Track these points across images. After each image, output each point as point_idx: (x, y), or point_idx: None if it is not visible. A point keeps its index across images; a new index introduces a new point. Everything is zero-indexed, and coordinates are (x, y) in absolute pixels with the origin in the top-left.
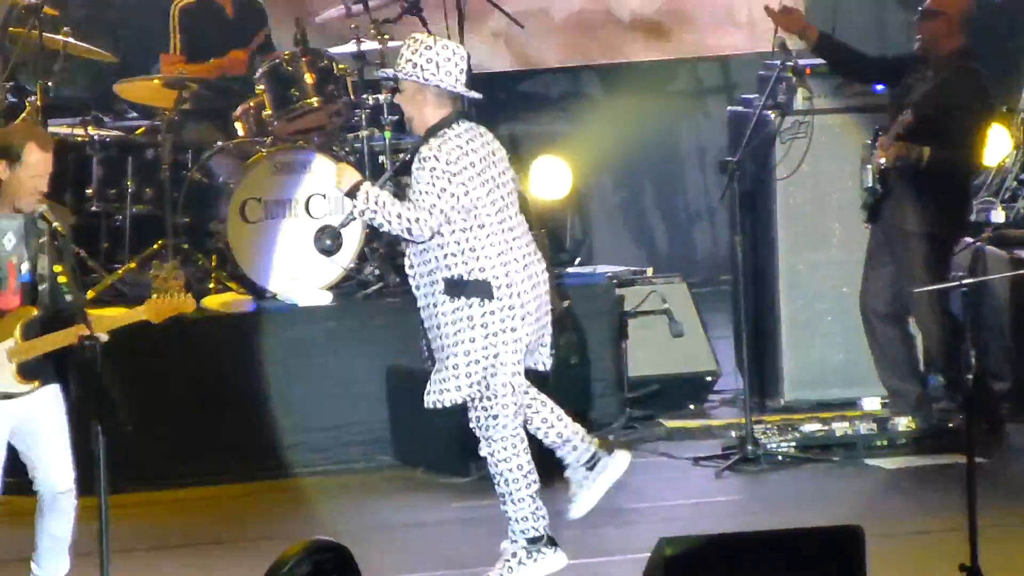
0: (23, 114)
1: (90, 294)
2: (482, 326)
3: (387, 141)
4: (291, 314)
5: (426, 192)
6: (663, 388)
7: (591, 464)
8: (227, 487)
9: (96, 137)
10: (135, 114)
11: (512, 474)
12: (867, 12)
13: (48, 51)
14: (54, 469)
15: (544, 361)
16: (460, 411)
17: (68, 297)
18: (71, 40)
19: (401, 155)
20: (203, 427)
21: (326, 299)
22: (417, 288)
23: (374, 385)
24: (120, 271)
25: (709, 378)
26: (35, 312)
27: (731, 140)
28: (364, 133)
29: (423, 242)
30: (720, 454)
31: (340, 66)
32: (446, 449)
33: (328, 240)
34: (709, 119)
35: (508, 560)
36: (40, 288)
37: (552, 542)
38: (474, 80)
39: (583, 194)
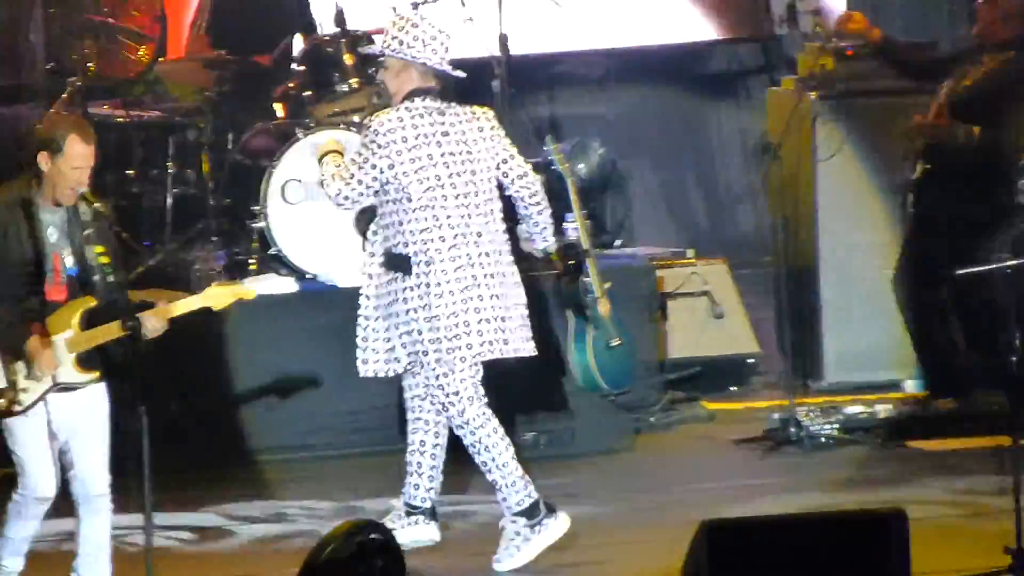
0: (63, 95)
1: (130, 276)
2: (403, 300)
3: None
4: (331, 295)
5: (351, 162)
6: (704, 370)
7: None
8: (268, 468)
9: (137, 119)
10: (176, 95)
11: (490, 439)
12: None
13: (89, 31)
14: (92, 470)
15: (519, 348)
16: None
17: (111, 278)
18: (113, 21)
19: None
20: (242, 409)
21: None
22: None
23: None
24: (161, 253)
25: (751, 360)
26: (93, 302)
27: (771, 121)
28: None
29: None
30: (762, 436)
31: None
32: None
33: (368, 221)
34: (750, 100)
35: (512, 540)
36: (93, 279)
37: (550, 508)
38: (513, 62)
39: (623, 176)
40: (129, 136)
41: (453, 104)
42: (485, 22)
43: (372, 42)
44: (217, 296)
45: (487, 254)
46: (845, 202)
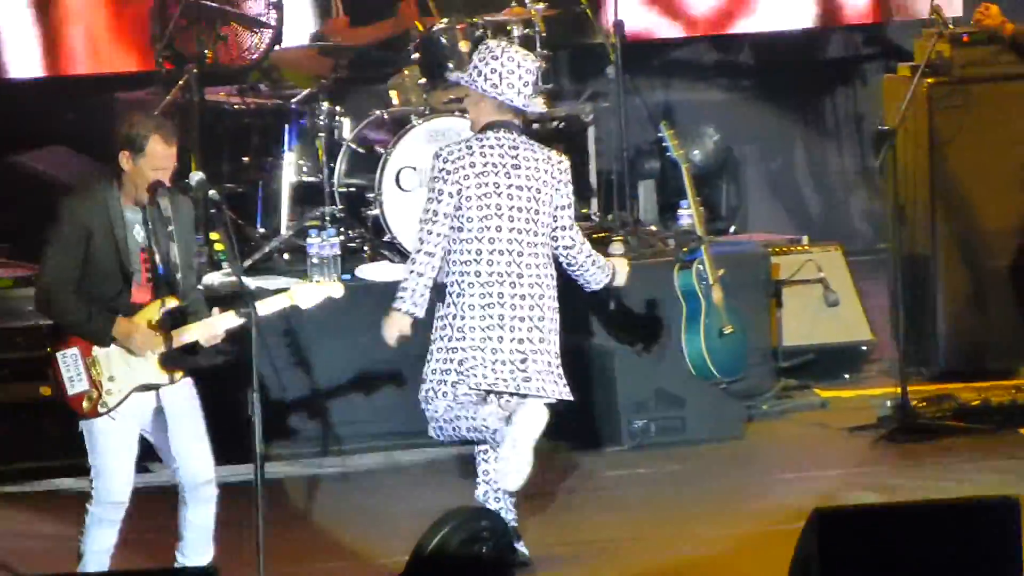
0: (180, 82)
1: (247, 263)
2: (436, 330)
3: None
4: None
5: (427, 200)
6: (818, 357)
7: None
8: (374, 455)
9: (253, 106)
10: (291, 82)
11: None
12: None
13: (206, 18)
14: (194, 459)
15: (548, 390)
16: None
17: (226, 265)
18: (231, 8)
19: (554, 123)
20: (351, 399)
21: None
22: None
23: None
24: (277, 240)
25: (864, 347)
26: (175, 302)
27: (887, 108)
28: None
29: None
30: (875, 424)
31: (495, 34)
32: (600, 418)
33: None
34: (866, 86)
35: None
36: (177, 277)
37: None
38: (630, 48)
39: (738, 162)
40: (245, 123)
41: (532, 143)
42: (601, 9)
43: (486, 29)
44: (305, 293)
45: (523, 296)
46: (961, 189)
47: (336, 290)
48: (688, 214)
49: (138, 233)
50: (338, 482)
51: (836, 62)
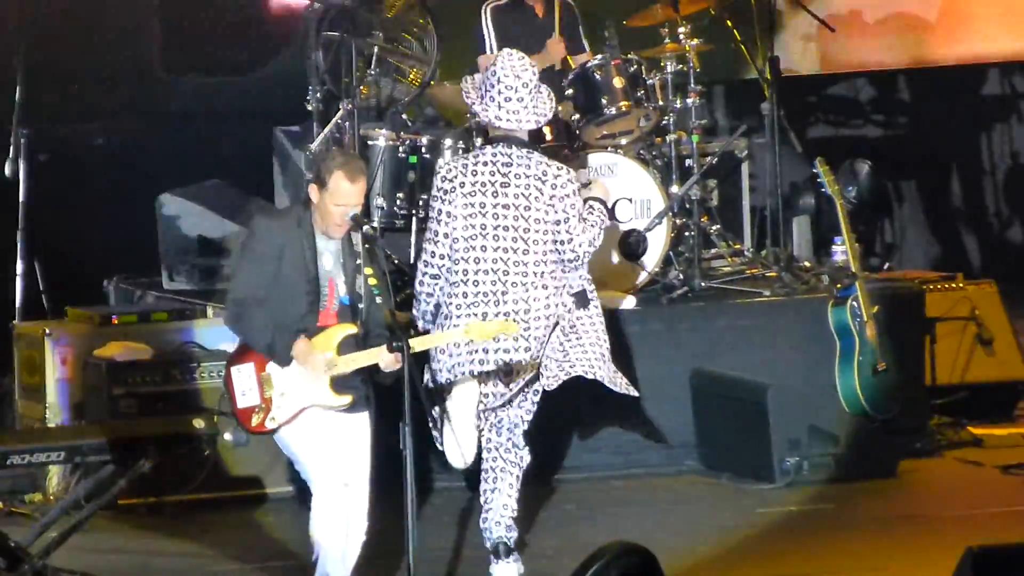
0: (335, 117)
1: (399, 298)
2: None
3: (694, 144)
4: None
5: (428, 219)
6: (972, 395)
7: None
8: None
9: (408, 141)
10: (445, 119)
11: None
12: None
13: (362, 56)
14: (353, 496)
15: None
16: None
17: (379, 299)
18: (383, 44)
19: (708, 159)
20: None
21: (631, 303)
22: None
23: (678, 389)
24: None
25: (1019, 385)
26: (354, 329)
27: None
28: (672, 137)
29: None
30: None
31: (649, 70)
32: (752, 455)
33: (635, 243)
34: (1022, 123)
35: None
36: (360, 307)
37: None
38: (784, 83)
39: (892, 198)
40: (399, 159)
41: (532, 156)
42: (756, 45)
43: (640, 65)
44: (480, 330)
45: (507, 314)
46: None
47: (509, 328)
48: (843, 250)
49: (327, 261)
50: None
51: (992, 98)
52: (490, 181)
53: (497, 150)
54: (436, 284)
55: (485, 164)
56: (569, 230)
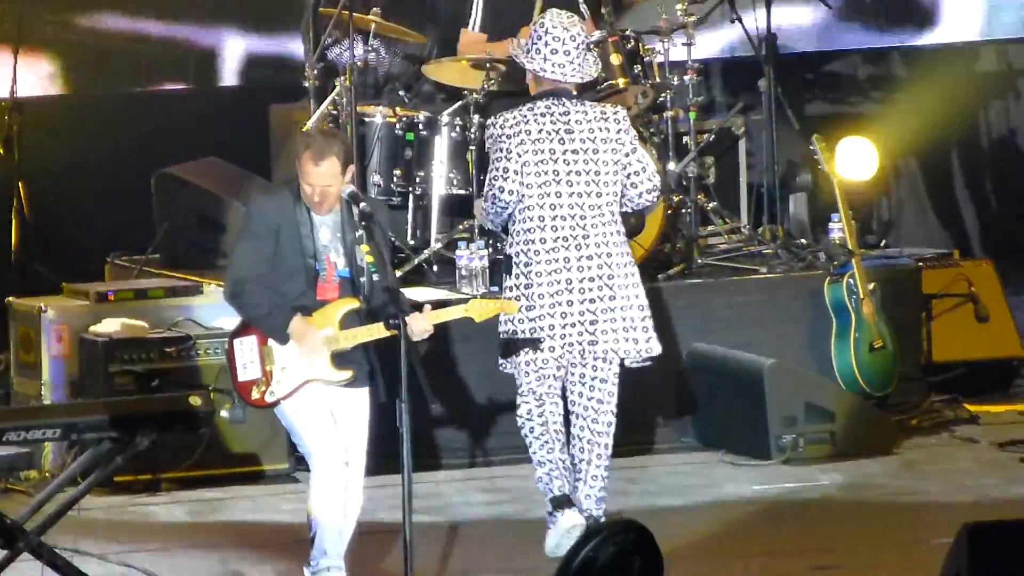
0: (331, 94)
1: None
2: (512, 299)
3: (691, 122)
4: None
5: (490, 172)
6: (968, 372)
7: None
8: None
9: (404, 118)
10: (443, 95)
11: (526, 439)
12: None
13: (358, 32)
14: (349, 473)
15: (610, 349)
16: (764, 394)
17: (376, 277)
18: (381, 20)
19: (706, 135)
20: (494, 408)
21: None
22: None
23: (675, 365)
24: (427, 252)
25: (1015, 363)
26: (357, 304)
27: None
28: (669, 114)
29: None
30: None
31: (646, 47)
32: (748, 432)
33: (632, 220)
34: (1019, 101)
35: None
36: (360, 280)
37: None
38: (781, 60)
39: (890, 176)
40: (396, 136)
41: (584, 103)
42: (753, 21)
43: (637, 41)
44: (480, 308)
45: (590, 257)
46: None
47: (511, 307)
48: (840, 227)
49: (324, 235)
50: (486, 493)
51: (991, 75)
52: (553, 128)
53: (550, 102)
54: (501, 217)
55: (543, 114)
56: (640, 158)
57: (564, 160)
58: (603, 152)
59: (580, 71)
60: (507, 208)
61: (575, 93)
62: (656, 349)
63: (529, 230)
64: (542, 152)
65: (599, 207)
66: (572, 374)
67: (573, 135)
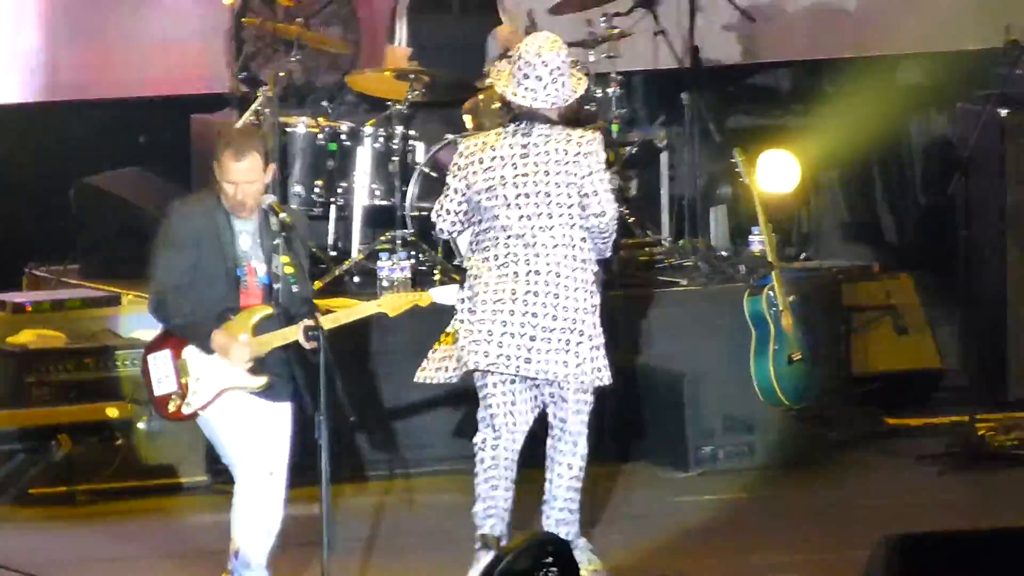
0: (254, 104)
1: (317, 285)
2: (458, 312)
3: (614, 135)
4: None
5: (443, 190)
6: (887, 385)
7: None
8: (454, 478)
9: (327, 128)
10: (366, 106)
11: (476, 466)
12: None
13: (282, 41)
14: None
15: (546, 371)
16: (683, 406)
17: (295, 288)
18: (305, 31)
19: (627, 148)
20: (418, 420)
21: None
22: None
23: None
24: (348, 263)
25: (933, 375)
26: (269, 310)
27: (961, 136)
28: (592, 128)
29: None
30: (943, 452)
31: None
32: (668, 443)
33: None
34: (941, 114)
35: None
36: (275, 287)
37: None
38: (704, 73)
39: (811, 189)
40: (318, 146)
41: (554, 127)
42: (676, 34)
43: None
44: (393, 302)
45: (537, 272)
46: None
47: (424, 299)
48: (760, 240)
49: (245, 242)
50: (405, 506)
51: (913, 88)
52: (509, 154)
53: (516, 127)
54: (455, 229)
55: (504, 138)
56: (594, 182)
57: (513, 183)
58: (556, 174)
59: (554, 95)
60: (455, 226)
61: (552, 118)
62: (603, 379)
63: (484, 248)
64: (492, 179)
65: (549, 228)
66: (543, 392)
67: (528, 159)
